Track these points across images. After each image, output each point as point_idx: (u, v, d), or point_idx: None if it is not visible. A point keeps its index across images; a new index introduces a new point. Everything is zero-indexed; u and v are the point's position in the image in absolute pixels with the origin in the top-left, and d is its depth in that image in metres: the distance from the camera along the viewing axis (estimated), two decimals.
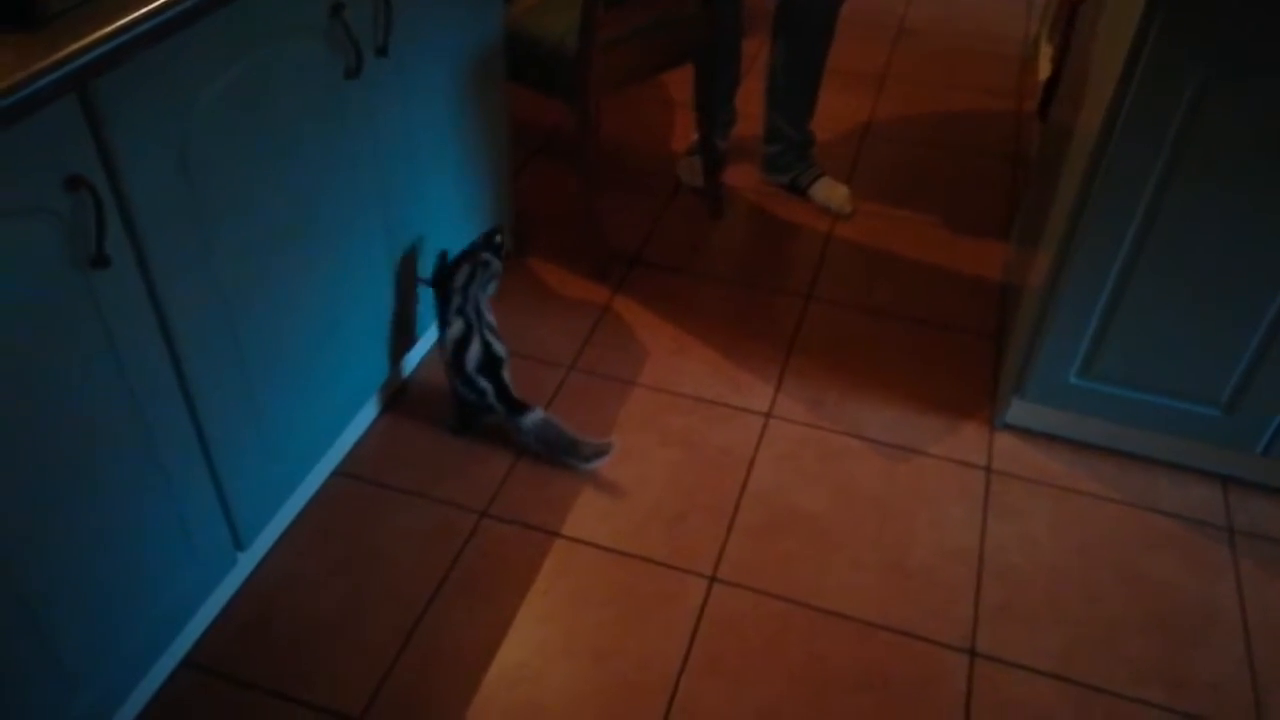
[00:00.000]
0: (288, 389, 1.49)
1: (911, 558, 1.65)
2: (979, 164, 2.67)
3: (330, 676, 1.46)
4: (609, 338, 2.07)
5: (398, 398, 1.91)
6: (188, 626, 1.47)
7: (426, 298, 1.85)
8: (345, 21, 1.39)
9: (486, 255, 1.81)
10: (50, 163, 1.00)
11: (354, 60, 1.43)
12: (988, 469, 1.81)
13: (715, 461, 1.81)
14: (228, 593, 1.55)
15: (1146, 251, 1.53)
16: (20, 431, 1.04)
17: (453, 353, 1.75)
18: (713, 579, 1.61)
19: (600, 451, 1.75)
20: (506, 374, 1.78)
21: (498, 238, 1.86)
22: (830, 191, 2.46)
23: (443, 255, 1.81)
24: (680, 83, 2.69)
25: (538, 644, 1.51)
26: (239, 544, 1.47)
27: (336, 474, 1.76)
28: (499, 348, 1.78)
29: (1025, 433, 1.87)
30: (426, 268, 1.82)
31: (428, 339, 2.01)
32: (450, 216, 1.90)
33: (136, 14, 1.03)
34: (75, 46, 0.97)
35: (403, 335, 1.83)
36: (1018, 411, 1.85)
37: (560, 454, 1.75)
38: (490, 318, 1.80)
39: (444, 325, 1.77)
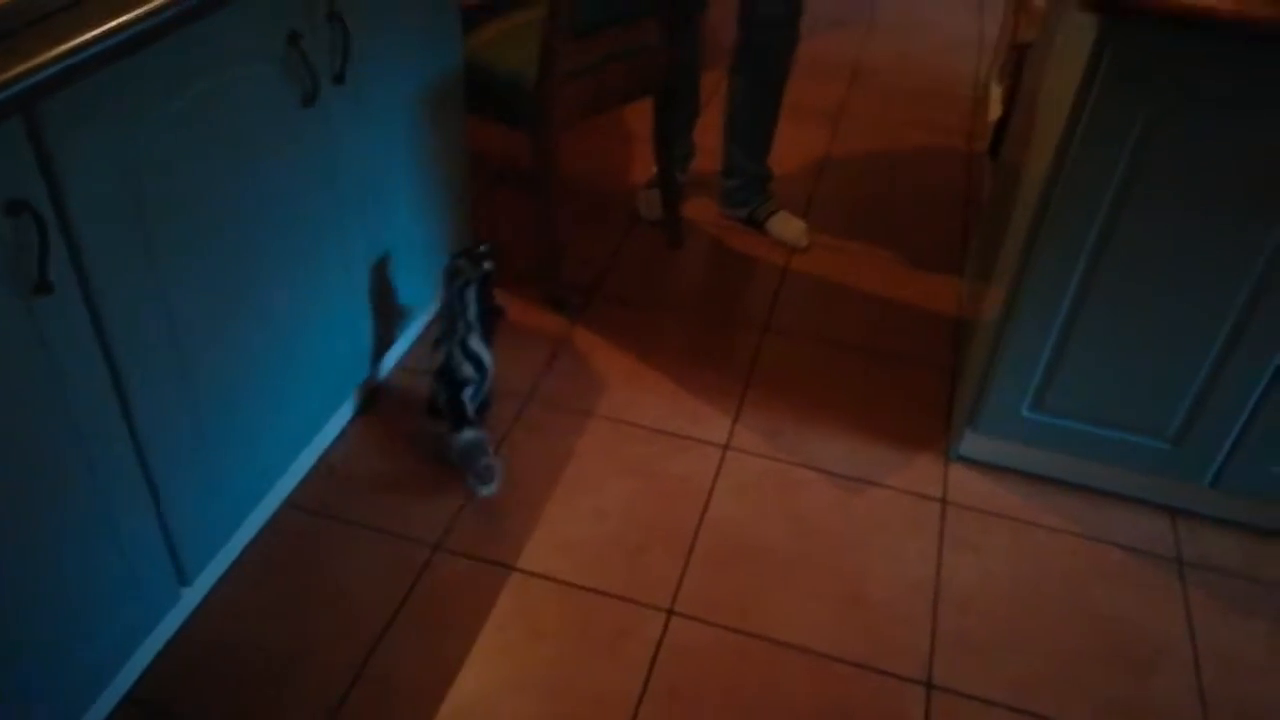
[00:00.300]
0: (236, 420, 1.46)
1: (868, 590, 1.65)
2: (932, 200, 2.72)
3: (278, 713, 1.42)
4: (567, 368, 2.06)
5: (350, 429, 1.88)
6: (130, 662, 1.42)
7: (384, 325, 1.84)
8: (302, 49, 1.38)
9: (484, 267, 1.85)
10: None
11: (310, 88, 1.42)
12: (943, 501, 1.82)
13: (673, 493, 1.80)
14: (171, 628, 1.51)
15: (1095, 287, 1.56)
16: None
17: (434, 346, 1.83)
18: (670, 612, 1.59)
19: (482, 479, 1.73)
20: (468, 393, 1.78)
21: (483, 248, 1.88)
22: (787, 225, 2.49)
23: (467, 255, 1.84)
24: (640, 116, 2.71)
25: (492, 679, 1.48)
26: (183, 578, 1.43)
27: (286, 506, 1.72)
28: (465, 369, 1.79)
29: (979, 465, 1.89)
30: (388, 299, 1.81)
31: (380, 372, 1.99)
32: (408, 246, 1.88)
33: (86, 36, 1.01)
34: (21, 68, 0.95)
35: (356, 367, 1.81)
36: (971, 444, 1.87)
37: (473, 477, 1.74)
38: (471, 334, 1.81)
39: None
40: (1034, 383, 1.70)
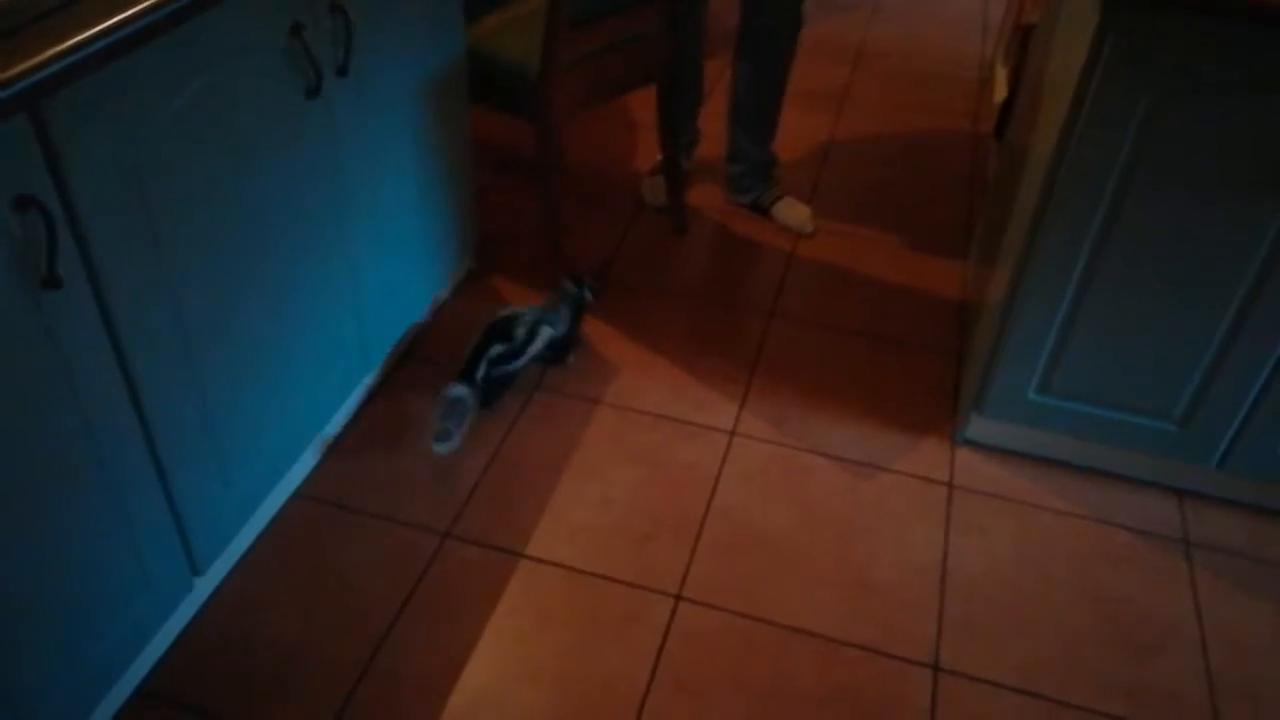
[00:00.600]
0: (246, 410, 1.47)
1: (875, 574, 1.66)
2: (937, 184, 2.71)
3: (290, 703, 1.43)
4: (573, 357, 2.06)
5: (358, 418, 1.89)
6: (143, 654, 1.44)
7: (389, 316, 1.84)
8: (304, 41, 1.38)
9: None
10: None
11: (314, 80, 1.43)
12: (949, 484, 1.82)
13: (680, 480, 1.81)
14: (184, 619, 1.52)
15: (1101, 269, 1.56)
16: None
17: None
18: (678, 598, 1.60)
19: (438, 436, 1.78)
20: (494, 351, 1.84)
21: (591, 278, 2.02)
22: (792, 211, 2.49)
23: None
24: (644, 104, 2.70)
25: (502, 667, 1.49)
26: (195, 569, 1.45)
27: (296, 496, 1.73)
28: (518, 333, 1.86)
29: (986, 448, 1.89)
30: (392, 290, 1.81)
31: (386, 361, 2.00)
32: (412, 235, 1.89)
33: (89, 32, 1.02)
34: (26, 65, 0.96)
35: (363, 357, 1.82)
36: (978, 427, 1.87)
37: (435, 431, 1.79)
38: (549, 328, 1.92)
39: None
40: (1040, 366, 1.70)
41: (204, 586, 1.56)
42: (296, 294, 1.54)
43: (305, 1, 1.38)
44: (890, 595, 1.62)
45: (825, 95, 3.10)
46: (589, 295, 2.04)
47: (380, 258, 1.77)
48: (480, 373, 1.82)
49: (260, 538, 1.66)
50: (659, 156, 2.47)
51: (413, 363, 2.03)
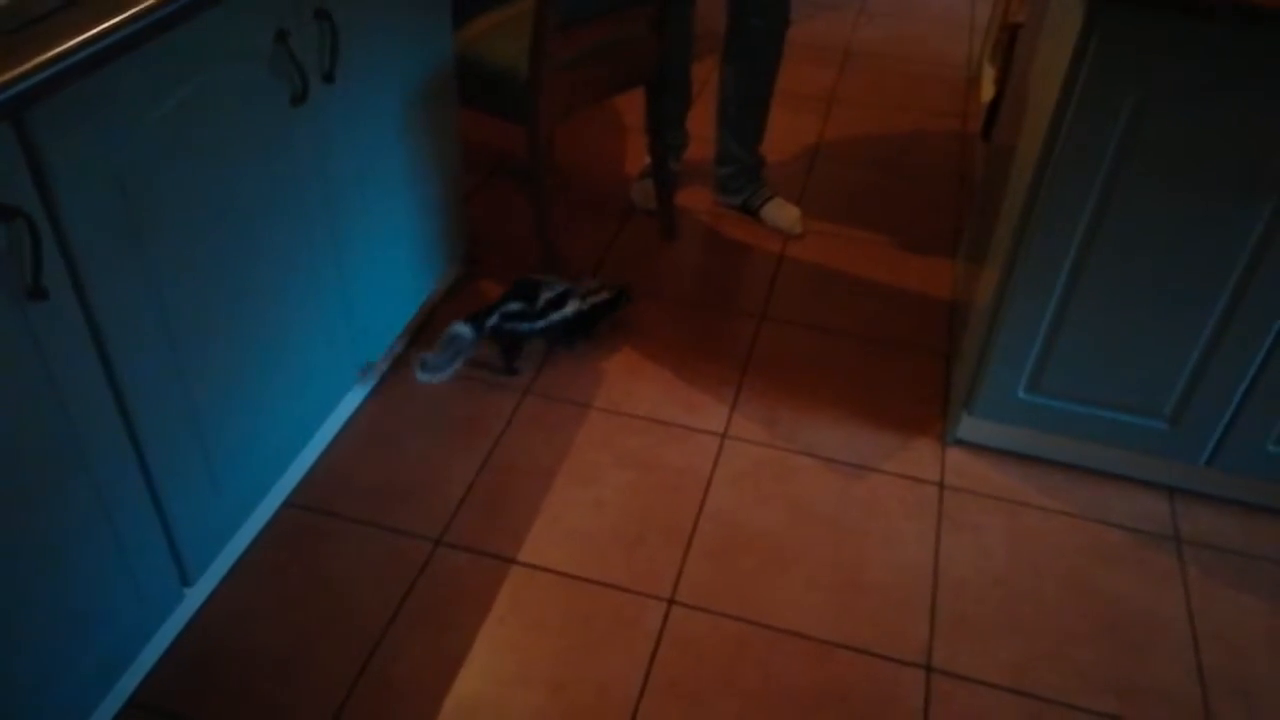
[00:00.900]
0: (235, 420, 1.46)
1: (867, 575, 1.66)
2: (926, 184, 2.71)
3: (282, 713, 1.42)
4: (563, 360, 2.06)
5: (348, 426, 1.89)
6: (134, 665, 1.43)
7: (379, 322, 1.84)
8: (290, 48, 1.38)
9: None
10: None
11: (300, 87, 1.42)
12: (940, 485, 1.82)
13: (672, 483, 1.81)
14: (175, 630, 1.51)
15: (1088, 268, 1.57)
16: None
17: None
18: (671, 601, 1.60)
19: (426, 366, 1.88)
20: (510, 307, 1.90)
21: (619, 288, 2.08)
22: (781, 212, 2.49)
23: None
24: (632, 106, 2.71)
25: (495, 673, 1.49)
26: (185, 580, 1.44)
27: (287, 505, 1.73)
28: (544, 293, 1.92)
29: (976, 448, 1.90)
30: (382, 296, 1.81)
31: (377, 369, 2.00)
32: (401, 241, 1.89)
33: (73, 41, 1.01)
34: (9, 75, 0.95)
35: (352, 365, 1.81)
36: (968, 427, 1.87)
37: (424, 358, 1.89)
38: (577, 303, 1.99)
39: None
40: (1029, 365, 1.70)
41: (194, 596, 1.55)
42: (285, 300, 1.53)
43: (290, 8, 1.38)
44: (882, 596, 1.62)
45: (813, 97, 3.10)
46: (628, 297, 2.10)
47: (370, 264, 1.77)
48: (492, 321, 1.86)
49: (251, 547, 1.65)
50: (648, 159, 2.47)
51: (405, 370, 2.02)
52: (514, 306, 1.90)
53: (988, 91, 2.80)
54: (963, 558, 1.69)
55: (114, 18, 1.06)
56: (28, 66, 0.97)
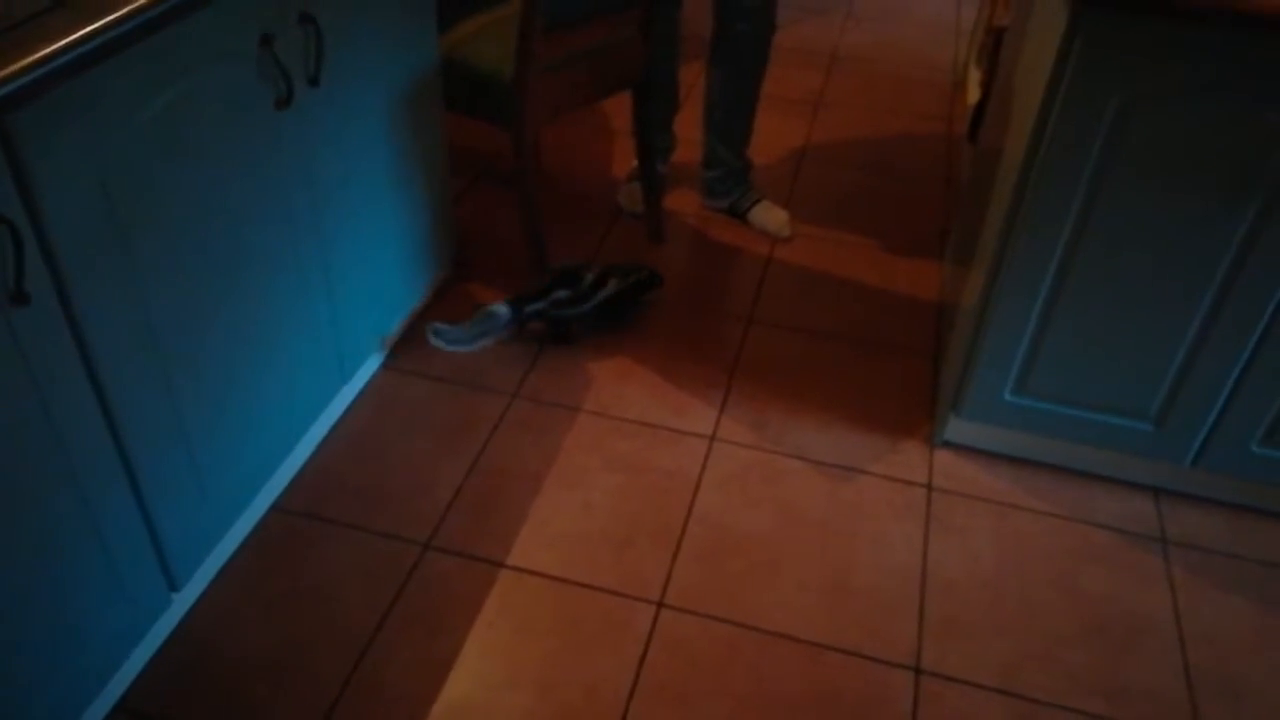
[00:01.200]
0: (221, 424, 1.46)
1: (856, 577, 1.66)
2: (913, 187, 2.72)
3: (271, 717, 1.42)
4: (551, 364, 2.06)
5: (335, 429, 1.88)
6: (121, 671, 1.42)
7: (366, 325, 1.83)
8: (274, 52, 1.37)
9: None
10: None
11: (285, 90, 1.42)
12: (928, 487, 1.83)
13: (660, 486, 1.81)
14: (162, 635, 1.51)
15: (1074, 270, 1.57)
16: None
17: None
18: (660, 604, 1.60)
19: (449, 339, 1.95)
20: (561, 295, 1.97)
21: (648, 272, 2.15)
22: (769, 215, 2.49)
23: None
24: (620, 110, 2.71)
25: (484, 677, 1.49)
26: (173, 584, 1.43)
27: (274, 509, 1.72)
28: (585, 276, 1.99)
29: (964, 450, 1.90)
30: (370, 300, 1.81)
31: (362, 374, 1.99)
32: (389, 244, 1.88)
33: (56, 45, 1.01)
34: None
35: (339, 369, 1.81)
36: (956, 429, 1.88)
37: (443, 326, 1.96)
38: (615, 283, 2.06)
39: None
40: (1015, 367, 1.71)
41: (182, 601, 1.54)
42: (272, 305, 1.53)
43: (275, 12, 1.37)
44: (871, 598, 1.63)
45: (800, 100, 3.11)
46: (659, 278, 2.16)
47: (357, 267, 1.77)
48: (536, 306, 1.92)
49: (238, 551, 1.65)
50: (635, 163, 2.47)
51: (392, 373, 2.02)
52: (562, 294, 1.96)
53: (973, 94, 2.81)
54: (951, 559, 1.70)
55: (99, 20, 1.06)
56: (12, 70, 0.97)
